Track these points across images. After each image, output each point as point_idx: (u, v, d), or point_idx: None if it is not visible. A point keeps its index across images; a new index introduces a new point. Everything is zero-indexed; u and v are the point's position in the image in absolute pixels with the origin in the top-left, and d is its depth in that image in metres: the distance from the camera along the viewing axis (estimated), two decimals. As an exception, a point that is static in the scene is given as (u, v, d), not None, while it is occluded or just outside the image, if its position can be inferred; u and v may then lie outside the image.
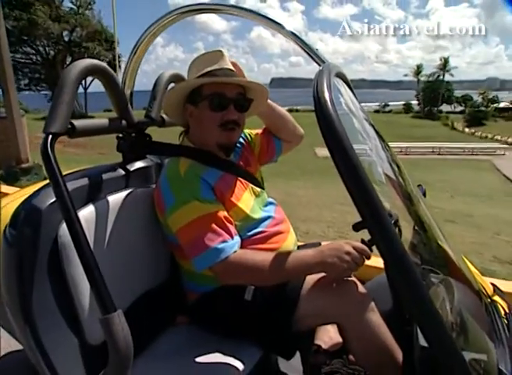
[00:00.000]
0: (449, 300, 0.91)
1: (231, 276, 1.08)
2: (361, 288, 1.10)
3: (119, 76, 1.42)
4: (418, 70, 58.37)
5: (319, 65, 1.23)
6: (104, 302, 0.77)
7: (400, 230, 1.01)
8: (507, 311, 1.07)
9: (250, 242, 1.16)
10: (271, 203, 1.33)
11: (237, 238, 1.11)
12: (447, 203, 7.23)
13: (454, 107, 58.08)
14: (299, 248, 1.32)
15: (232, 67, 1.20)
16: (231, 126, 1.17)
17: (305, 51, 1.28)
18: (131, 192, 1.16)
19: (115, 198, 1.10)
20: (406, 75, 62.98)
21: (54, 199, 0.90)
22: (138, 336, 0.84)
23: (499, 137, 31.54)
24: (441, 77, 55.04)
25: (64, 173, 0.89)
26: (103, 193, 1.09)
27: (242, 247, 1.11)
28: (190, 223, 1.06)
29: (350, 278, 1.12)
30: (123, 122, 1.18)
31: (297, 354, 1.21)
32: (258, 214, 1.23)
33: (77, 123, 0.99)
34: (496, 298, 1.13)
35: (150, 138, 1.30)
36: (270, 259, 1.05)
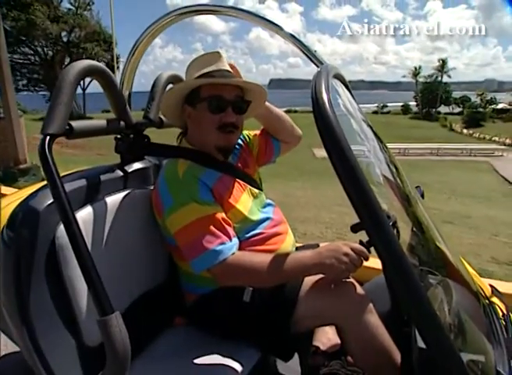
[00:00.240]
0: (447, 301, 0.91)
1: (229, 278, 1.08)
2: (359, 289, 1.10)
3: (118, 77, 1.42)
4: (417, 72, 58.51)
5: (317, 66, 1.23)
6: (101, 304, 0.77)
7: (398, 232, 1.01)
8: (505, 312, 1.07)
9: (249, 244, 1.16)
10: (269, 204, 1.33)
11: (235, 240, 1.11)
12: (445, 204, 7.24)
13: (452, 108, 58.25)
14: (297, 249, 1.32)
15: (229, 68, 1.20)
16: (229, 128, 1.17)
17: (303, 52, 1.28)
18: (129, 193, 1.16)
19: (113, 200, 1.10)
20: (404, 76, 63.14)
21: (51, 200, 0.89)
22: (136, 337, 0.83)
23: (497, 139, 31.63)
24: (439, 79, 55.18)
25: (62, 174, 0.89)
26: (101, 194, 1.09)
27: (240, 248, 1.11)
28: (189, 225, 1.06)
29: (348, 279, 1.12)
30: (121, 123, 1.18)
31: (296, 355, 1.20)
32: (256, 216, 1.22)
33: (75, 124, 0.99)
34: (494, 299, 1.13)
35: (148, 139, 1.30)
36: (268, 261, 1.05)
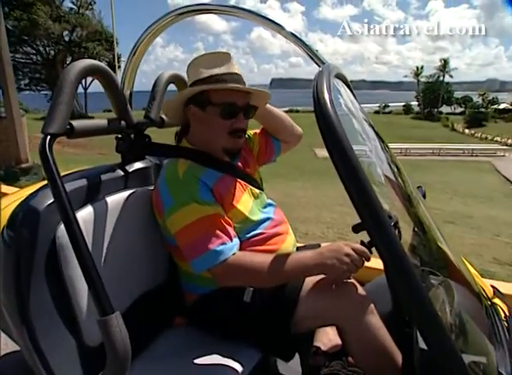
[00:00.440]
0: (448, 302, 0.91)
1: (230, 279, 1.08)
2: (361, 290, 1.10)
3: (119, 77, 1.42)
4: (418, 71, 58.41)
5: (319, 66, 1.22)
6: (101, 304, 0.77)
7: (399, 232, 1.00)
8: (507, 314, 1.07)
9: (249, 244, 1.16)
10: (270, 204, 1.32)
11: (236, 240, 1.10)
12: (447, 204, 7.23)
13: (454, 108, 58.15)
14: (298, 249, 1.32)
15: (238, 71, 1.19)
16: (239, 133, 1.18)
17: (305, 52, 1.27)
18: (130, 193, 1.16)
19: (114, 199, 1.10)
20: (406, 76, 63.05)
21: (52, 200, 0.89)
22: (136, 337, 0.83)
23: (498, 139, 31.57)
24: (441, 78, 55.08)
25: (62, 174, 0.88)
26: (101, 194, 1.08)
27: (241, 249, 1.11)
28: (189, 225, 1.06)
29: (349, 280, 1.12)
30: (122, 122, 1.18)
31: (296, 356, 1.20)
32: (257, 216, 1.22)
33: (76, 123, 0.99)
34: (496, 300, 1.13)
35: (149, 139, 1.30)
36: (269, 261, 1.04)
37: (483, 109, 47.86)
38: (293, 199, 6.57)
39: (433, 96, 52.12)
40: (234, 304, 1.12)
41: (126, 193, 1.15)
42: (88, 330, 0.96)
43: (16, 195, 1.42)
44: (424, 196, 1.33)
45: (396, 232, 0.99)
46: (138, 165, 1.27)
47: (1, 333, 1.20)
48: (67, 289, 0.94)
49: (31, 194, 0.95)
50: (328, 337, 1.25)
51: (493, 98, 54.00)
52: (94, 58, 1.10)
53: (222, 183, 1.17)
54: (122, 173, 1.19)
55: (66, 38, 32.86)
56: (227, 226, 1.09)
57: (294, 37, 1.25)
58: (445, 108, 56.32)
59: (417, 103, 57.02)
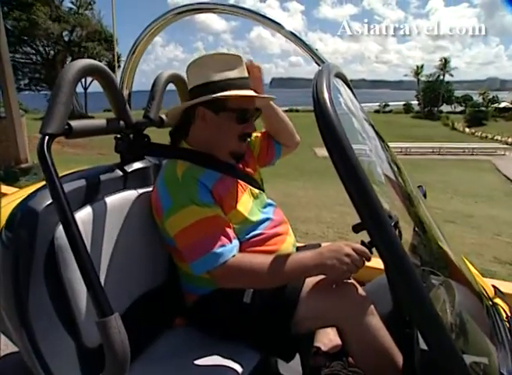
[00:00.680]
0: (449, 302, 0.91)
1: (230, 281, 1.07)
2: (361, 291, 1.09)
3: (119, 76, 1.41)
4: (418, 70, 58.38)
5: (319, 65, 1.22)
6: (100, 305, 0.76)
7: (400, 232, 1.00)
8: (509, 314, 1.06)
9: (249, 245, 1.16)
10: (270, 205, 1.32)
11: (236, 242, 1.10)
12: (447, 203, 7.23)
13: (454, 107, 58.12)
14: (298, 249, 1.31)
15: (247, 75, 1.20)
16: (248, 137, 1.21)
17: (305, 51, 1.27)
18: (129, 193, 1.15)
19: (113, 200, 1.09)
20: (406, 75, 63.02)
21: (50, 201, 0.89)
22: (136, 338, 0.83)
23: (499, 138, 31.57)
24: (441, 77, 55.06)
25: (61, 174, 0.88)
26: (100, 194, 1.08)
27: (240, 249, 1.10)
28: (188, 227, 1.05)
29: (349, 281, 1.11)
30: (121, 122, 1.17)
31: (297, 356, 1.20)
32: (257, 216, 1.22)
33: (74, 123, 0.98)
34: (498, 300, 1.12)
35: (148, 139, 1.29)
36: (269, 262, 1.04)
37: (483, 108, 47.85)
38: (294, 199, 6.56)
39: (433, 95, 52.10)
40: (234, 304, 1.11)
41: (125, 193, 1.15)
42: (87, 331, 0.95)
43: (15, 196, 1.42)
44: (424, 196, 1.32)
45: (397, 232, 0.99)
46: (137, 165, 1.26)
47: (1, 334, 1.20)
48: (66, 290, 0.93)
49: (29, 195, 0.94)
50: (328, 338, 1.25)
51: (493, 96, 53.97)
52: (94, 58, 1.10)
53: (221, 183, 1.16)
54: (121, 173, 1.18)
55: (66, 38, 32.88)
56: (226, 228, 1.09)
57: (294, 37, 1.25)
58: (445, 107, 56.30)
59: (417, 102, 56.99)
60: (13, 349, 1.16)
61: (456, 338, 0.81)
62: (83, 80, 1.09)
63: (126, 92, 1.41)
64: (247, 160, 1.33)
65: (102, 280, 0.78)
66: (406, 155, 20.84)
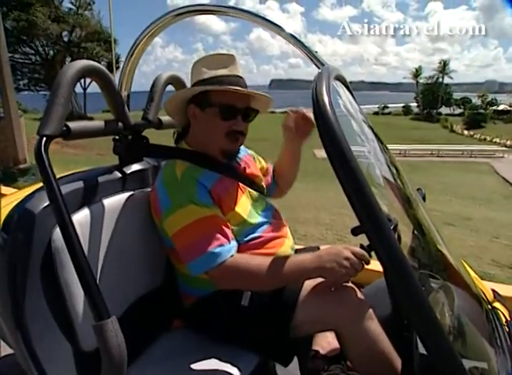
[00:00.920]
0: (448, 306, 0.90)
1: (228, 281, 1.07)
2: (359, 295, 1.09)
3: (118, 77, 1.41)
4: (417, 73, 58.52)
5: (318, 67, 1.22)
6: (97, 308, 0.76)
7: (399, 236, 0.99)
8: (508, 318, 1.05)
9: (247, 247, 1.15)
10: (269, 208, 1.31)
11: (234, 243, 1.09)
12: (446, 206, 7.23)
13: (453, 109, 58.29)
14: (297, 252, 1.30)
15: (241, 74, 1.20)
16: (237, 135, 1.19)
17: (304, 53, 1.27)
18: (127, 195, 1.15)
19: (111, 202, 1.09)
20: (405, 77, 63.19)
21: (48, 203, 0.88)
22: (133, 341, 0.82)
23: (497, 140, 31.67)
24: (440, 80, 55.21)
25: (59, 176, 0.87)
26: (98, 196, 1.07)
27: (238, 252, 1.09)
28: (186, 226, 1.05)
29: (347, 284, 1.11)
30: (119, 124, 1.17)
31: (295, 360, 1.19)
32: (255, 219, 1.21)
33: (72, 125, 0.97)
34: (497, 304, 1.12)
35: (147, 140, 1.29)
36: (268, 264, 1.03)
37: (482, 111, 48.02)
38: (293, 200, 6.55)
39: (432, 97, 52.26)
40: (232, 307, 1.11)
41: (124, 195, 1.14)
42: (84, 334, 0.94)
43: (12, 197, 1.41)
44: (424, 199, 1.32)
45: (396, 235, 0.98)
46: (136, 166, 1.26)
47: (-2, 337, 1.19)
48: (63, 293, 0.92)
49: (27, 197, 0.94)
50: (327, 341, 1.24)
51: (492, 99, 54.18)
52: (94, 59, 1.10)
53: (220, 184, 1.16)
54: (119, 174, 1.18)
55: (65, 39, 32.86)
56: (225, 228, 1.08)
57: (293, 39, 1.25)
58: (444, 110, 56.46)
59: (416, 104, 57.13)
60: (11, 351, 1.16)
61: (456, 343, 0.80)
62: (82, 80, 1.08)
63: (124, 93, 1.40)
64: (249, 164, 1.33)
65: (99, 283, 0.78)
66: (405, 156, 20.89)
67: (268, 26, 1.28)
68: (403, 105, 59.43)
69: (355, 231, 0.81)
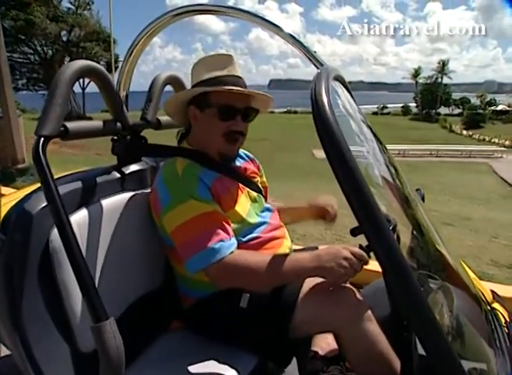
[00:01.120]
0: (447, 307, 0.90)
1: (226, 279, 1.06)
2: (358, 296, 1.08)
3: (116, 77, 1.40)
4: (416, 73, 58.59)
5: (317, 67, 1.21)
6: (95, 310, 0.75)
7: (398, 236, 0.99)
8: (507, 319, 1.05)
9: (245, 247, 1.14)
10: (268, 209, 1.31)
11: (234, 239, 1.09)
12: (445, 206, 7.23)
13: (452, 109, 58.39)
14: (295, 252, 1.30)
15: (240, 74, 1.19)
16: (236, 136, 1.18)
17: (303, 53, 1.26)
18: (125, 196, 1.14)
19: (109, 202, 1.08)
20: (404, 78, 63.28)
21: (45, 203, 0.88)
22: (132, 342, 0.82)
23: (496, 140, 31.74)
24: (439, 80, 55.29)
25: (57, 176, 0.87)
26: (97, 196, 1.07)
27: None
28: (186, 222, 1.04)
29: (346, 285, 1.10)
30: (118, 124, 1.16)
31: (294, 361, 1.19)
32: (254, 219, 1.21)
33: (70, 125, 0.97)
34: (496, 305, 1.12)
35: (145, 141, 1.29)
36: (267, 261, 1.03)
37: (481, 111, 48.13)
38: (292, 200, 6.56)
39: (431, 97, 52.34)
40: (231, 308, 1.10)
41: (122, 195, 1.14)
42: (82, 336, 0.94)
43: (11, 197, 1.40)
44: (423, 199, 1.32)
45: (395, 235, 0.98)
46: (134, 167, 1.25)
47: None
48: (60, 294, 0.92)
49: (25, 197, 0.93)
50: (326, 342, 1.24)
51: (491, 99, 54.31)
52: (92, 59, 1.10)
53: (219, 183, 1.16)
54: (117, 175, 1.18)
55: (64, 38, 32.78)
56: (225, 224, 1.08)
57: (292, 39, 1.25)
58: (443, 110, 56.56)
59: (415, 104, 57.21)
60: (7, 352, 1.15)
61: (455, 343, 0.80)
62: (80, 80, 1.08)
63: (123, 94, 1.40)
64: (249, 167, 1.33)
65: (97, 284, 0.77)
66: (403, 157, 20.91)
67: (267, 27, 1.27)
68: (402, 105, 59.53)
69: (354, 232, 0.80)
